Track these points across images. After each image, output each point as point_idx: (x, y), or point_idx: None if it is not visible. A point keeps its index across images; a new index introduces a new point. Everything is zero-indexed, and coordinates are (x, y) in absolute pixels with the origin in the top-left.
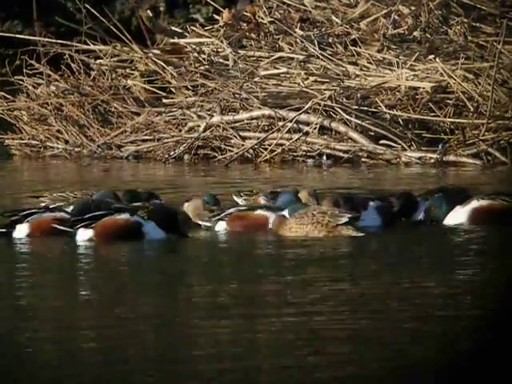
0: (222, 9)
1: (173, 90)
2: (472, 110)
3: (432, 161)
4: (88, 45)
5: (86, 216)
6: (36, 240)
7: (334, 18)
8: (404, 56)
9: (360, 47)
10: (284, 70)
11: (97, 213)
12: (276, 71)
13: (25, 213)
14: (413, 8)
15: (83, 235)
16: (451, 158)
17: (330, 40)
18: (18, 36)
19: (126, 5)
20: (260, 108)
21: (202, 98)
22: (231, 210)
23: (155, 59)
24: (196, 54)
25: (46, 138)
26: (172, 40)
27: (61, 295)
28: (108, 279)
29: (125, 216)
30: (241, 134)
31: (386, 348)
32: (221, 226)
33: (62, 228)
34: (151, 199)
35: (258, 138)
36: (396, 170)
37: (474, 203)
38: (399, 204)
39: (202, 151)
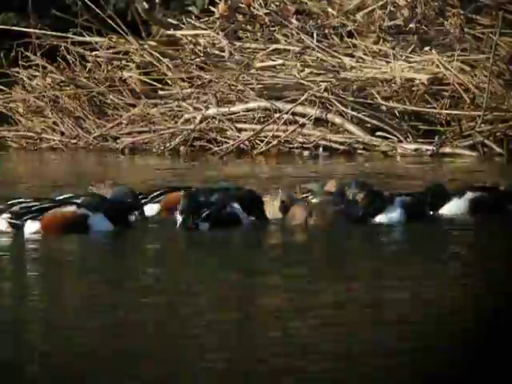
0: (217, 0)
1: (169, 81)
2: (468, 101)
3: (428, 152)
4: (84, 37)
5: (34, 208)
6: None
7: (330, 9)
8: (400, 48)
9: (356, 39)
10: (280, 61)
11: (44, 205)
12: (272, 63)
13: (10, 203)
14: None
15: (30, 228)
16: (447, 149)
17: (326, 32)
18: (13, 28)
19: None
20: (256, 100)
21: (198, 89)
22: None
23: (151, 51)
24: (192, 46)
25: (41, 129)
26: (168, 32)
27: None
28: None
29: (72, 208)
30: (237, 125)
31: None
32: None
33: (11, 221)
34: None
35: (254, 130)
36: (392, 162)
37: (470, 195)
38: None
39: (197, 143)
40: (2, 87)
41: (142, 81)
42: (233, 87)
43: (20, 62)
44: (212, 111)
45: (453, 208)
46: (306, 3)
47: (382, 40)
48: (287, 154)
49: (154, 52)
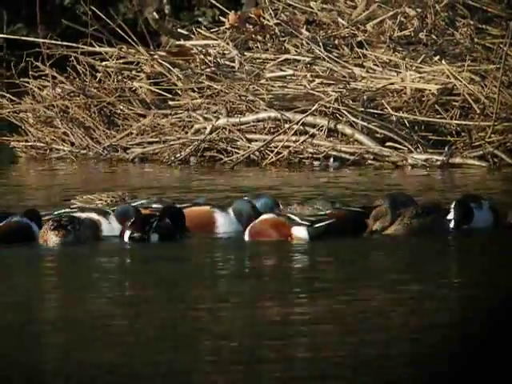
0: (227, 11)
1: (179, 92)
2: (478, 112)
3: (438, 163)
4: (94, 47)
5: None
6: None
7: (340, 19)
8: (410, 58)
9: (366, 49)
10: (290, 72)
11: None
12: (282, 73)
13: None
14: (419, 10)
15: None
16: (457, 160)
17: (336, 42)
18: (23, 38)
19: (129, 8)
20: (266, 110)
21: (208, 100)
22: None
23: (161, 61)
24: (202, 56)
25: (51, 140)
26: (178, 42)
27: None
28: None
29: (16, 219)
30: (247, 136)
31: None
32: None
33: None
34: None
35: (265, 140)
36: (402, 172)
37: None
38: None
39: (208, 153)
40: (11, 97)
41: (152, 91)
42: (243, 97)
43: (30, 72)
44: (222, 121)
45: None
46: (316, 13)
47: (392, 50)
48: (298, 165)
49: (164, 62)
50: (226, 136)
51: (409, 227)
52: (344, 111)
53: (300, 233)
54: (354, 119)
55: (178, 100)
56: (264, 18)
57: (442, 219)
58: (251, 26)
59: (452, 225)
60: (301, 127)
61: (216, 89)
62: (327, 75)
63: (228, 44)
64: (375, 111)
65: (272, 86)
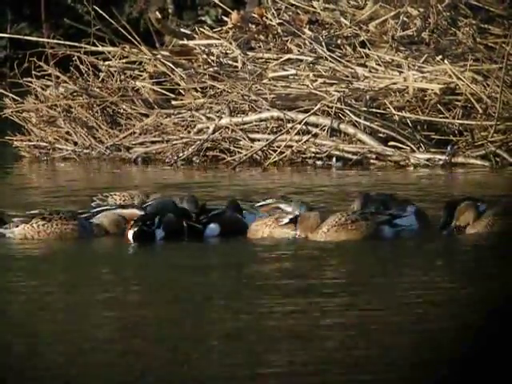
0: (230, 10)
1: (182, 91)
2: (481, 111)
3: (441, 162)
4: (97, 46)
5: None
6: None
7: (342, 19)
8: (413, 58)
9: (369, 49)
10: (293, 71)
11: None
12: (285, 73)
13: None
14: (421, 10)
15: None
16: (460, 159)
17: (339, 42)
18: (26, 38)
19: (134, 7)
20: (269, 110)
21: (211, 99)
22: None
23: (164, 61)
24: (205, 56)
25: (54, 139)
26: (181, 42)
27: None
28: None
29: None
30: (250, 135)
31: None
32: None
33: None
34: None
35: (267, 140)
36: (405, 172)
37: None
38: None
39: (210, 153)
40: (15, 97)
41: (154, 90)
42: (246, 97)
43: (33, 72)
44: (225, 121)
45: None
46: (319, 13)
47: (394, 50)
48: (300, 164)
49: (166, 62)
50: (229, 136)
51: (327, 234)
52: (347, 111)
53: (129, 235)
54: (357, 119)
55: (181, 99)
56: (267, 17)
57: (379, 226)
58: (254, 26)
59: (440, 225)
60: (303, 127)
61: (219, 88)
62: (330, 75)
63: (231, 43)
64: (378, 111)
65: (275, 86)
